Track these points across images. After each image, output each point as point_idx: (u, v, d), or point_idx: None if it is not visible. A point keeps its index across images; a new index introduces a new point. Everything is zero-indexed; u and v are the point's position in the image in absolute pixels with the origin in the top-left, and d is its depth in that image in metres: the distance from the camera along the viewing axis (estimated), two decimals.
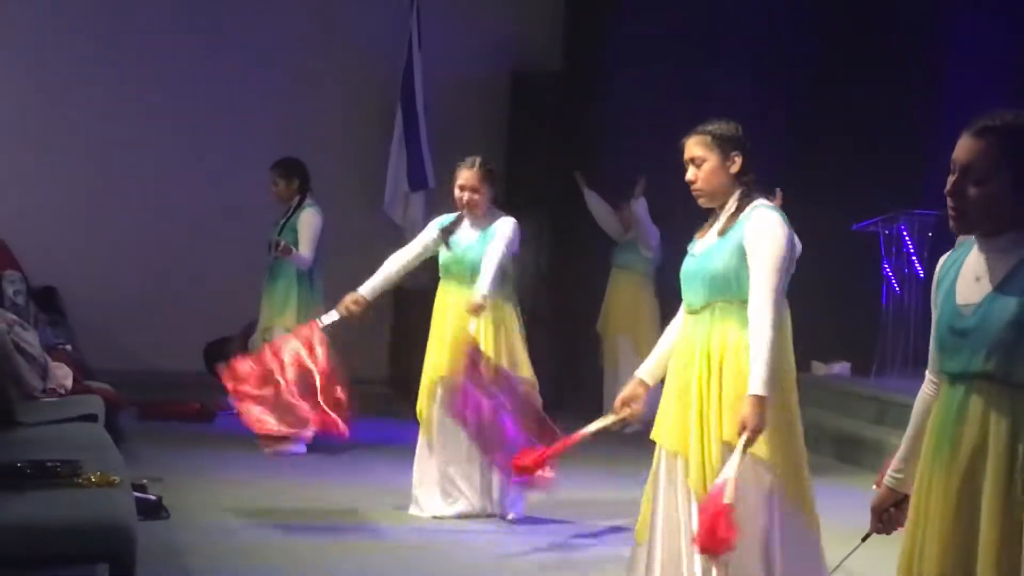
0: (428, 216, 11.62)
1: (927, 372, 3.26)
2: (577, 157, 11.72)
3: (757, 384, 4.26)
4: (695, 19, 11.55)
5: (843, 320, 10.98)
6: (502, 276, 6.79)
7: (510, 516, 6.85)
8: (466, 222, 6.99)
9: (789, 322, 4.56)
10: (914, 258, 10.35)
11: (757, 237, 4.45)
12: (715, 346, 4.44)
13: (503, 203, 7.69)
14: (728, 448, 4.30)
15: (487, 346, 6.70)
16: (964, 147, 3.03)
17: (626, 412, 4.71)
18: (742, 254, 4.46)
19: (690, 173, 4.59)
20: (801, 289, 8.73)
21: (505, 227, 6.85)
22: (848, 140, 11.45)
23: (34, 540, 4.19)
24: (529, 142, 11.74)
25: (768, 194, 4.72)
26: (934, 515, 3.02)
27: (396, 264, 7.06)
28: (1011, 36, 11.08)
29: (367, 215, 11.72)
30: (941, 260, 3.20)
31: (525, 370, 6.83)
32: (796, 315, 9.12)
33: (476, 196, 6.89)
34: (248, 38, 11.93)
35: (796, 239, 4.64)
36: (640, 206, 10.23)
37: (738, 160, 4.55)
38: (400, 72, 11.63)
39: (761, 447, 4.31)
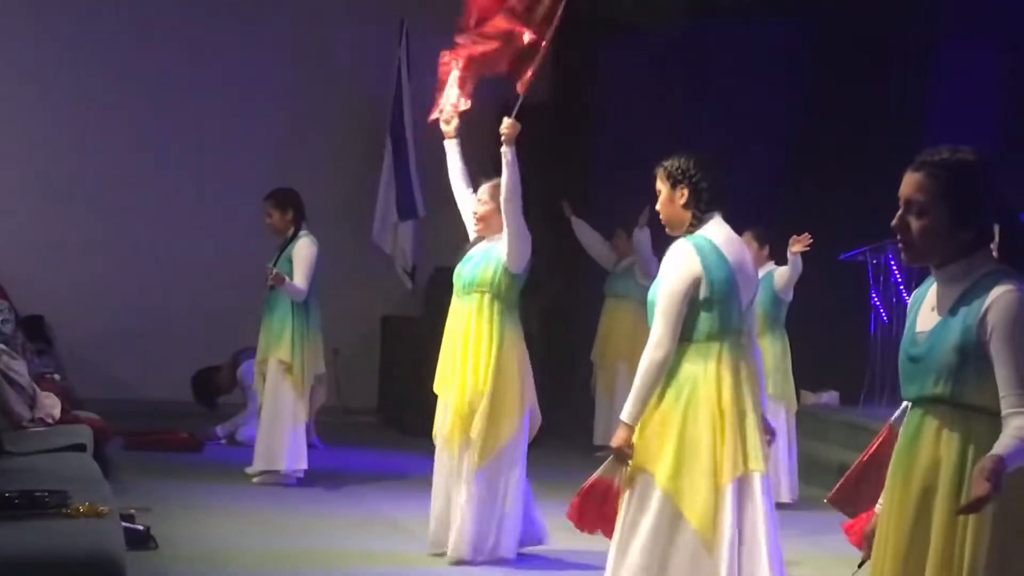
0: (417, 245, 11.69)
1: (902, 397, 3.39)
2: (566, 188, 11.75)
3: (623, 410, 4.75)
4: (681, 52, 11.61)
5: (831, 349, 10.99)
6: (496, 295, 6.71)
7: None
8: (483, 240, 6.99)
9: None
10: (902, 287, 10.37)
11: (661, 268, 4.82)
12: None
13: None
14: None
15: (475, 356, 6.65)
16: (906, 182, 3.21)
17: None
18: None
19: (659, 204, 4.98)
20: (790, 318, 8.82)
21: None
22: (835, 169, 11.50)
23: (22, 571, 4.16)
24: (519, 170, 11.75)
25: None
26: (892, 535, 3.18)
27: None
28: (995, 65, 11.16)
29: (356, 244, 11.73)
30: (913, 293, 3.36)
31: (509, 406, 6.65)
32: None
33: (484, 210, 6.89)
34: (238, 68, 11.96)
35: (720, 267, 4.76)
36: (644, 236, 10.18)
37: (684, 192, 4.86)
38: (390, 102, 11.66)
39: (655, 463, 4.67)
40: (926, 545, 3.10)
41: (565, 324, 11.54)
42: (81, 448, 6.28)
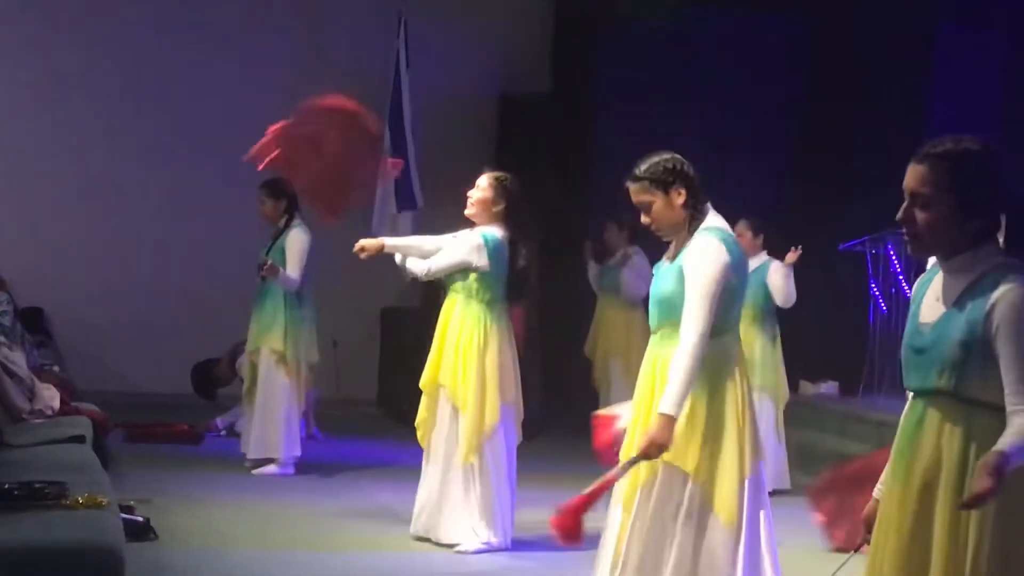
0: None
1: (904, 388, 3.37)
2: (565, 177, 11.76)
3: (664, 402, 4.48)
4: (683, 40, 11.60)
5: (831, 340, 11.00)
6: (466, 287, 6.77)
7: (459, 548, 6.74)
8: None
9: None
10: (901, 277, 10.37)
11: (691, 262, 4.62)
12: (660, 368, 4.64)
13: None
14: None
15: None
16: (910, 173, 3.18)
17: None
18: (682, 277, 4.62)
19: (643, 217, 4.75)
20: (789, 309, 8.82)
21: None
22: (834, 160, 11.50)
23: (21, 562, 4.17)
24: (517, 164, 11.71)
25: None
26: (892, 527, 3.15)
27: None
28: (996, 53, 11.15)
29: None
30: (917, 281, 3.34)
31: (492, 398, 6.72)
32: (784, 335, 9.18)
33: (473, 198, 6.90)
34: (235, 60, 11.95)
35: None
36: (639, 260, 10.04)
37: (682, 191, 4.69)
38: (388, 95, 11.65)
39: (684, 458, 4.52)
40: (928, 538, 3.09)
41: (564, 316, 11.52)
42: (80, 440, 6.28)
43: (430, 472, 6.82)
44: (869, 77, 11.46)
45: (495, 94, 12.26)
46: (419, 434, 6.86)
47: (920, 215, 3.16)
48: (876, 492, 3.40)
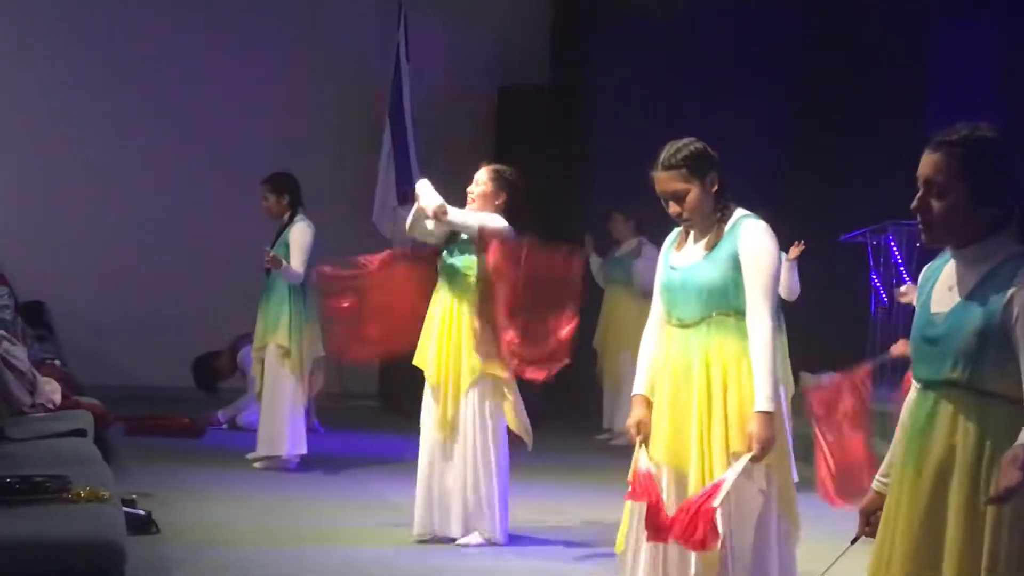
0: None
1: (914, 379, 3.31)
2: (565, 170, 11.75)
3: (763, 400, 4.33)
4: (681, 33, 11.59)
5: (831, 331, 10.98)
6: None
7: (461, 540, 6.70)
8: None
9: (784, 333, 4.63)
10: (902, 268, 10.36)
11: (752, 249, 4.48)
12: (714, 359, 4.46)
13: None
14: (731, 459, 4.36)
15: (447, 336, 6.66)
16: (925, 162, 3.12)
17: (645, 433, 4.63)
18: (736, 266, 4.47)
19: (673, 207, 4.54)
20: (790, 301, 8.81)
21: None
22: (834, 151, 11.49)
23: (22, 556, 4.17)
24: (516, 155, 11.71)
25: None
26: (903, 519, 3.10)
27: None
28: (993, 44, 11.15)
29: (356, 229, 11.72)
30: (924, 269, 3.28)
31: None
32: (784, 327, 9.13)
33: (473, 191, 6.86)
34: (236, 55, 11.95)
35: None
36: (651, 251, 10.03)
37: (716, 179, 4.54)
38: (389, 86, 11.65)
39: (768, 457, 4.38)
40: (940, 533, 3.04)
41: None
42: (82, 433, 6.28)
43: (446, 468, 6.73)
44: (867, 69, 11.45)
45: (495, 87, 12.25)
46: (444, 434, 6.68)
47: (935, 204, 3.09)
48: (875, 485, 3.38)
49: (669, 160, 4.51)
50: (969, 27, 11.16)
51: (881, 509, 3.36)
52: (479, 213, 6.68)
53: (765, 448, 4.31)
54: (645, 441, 4.57)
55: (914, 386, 3.29)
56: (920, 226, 3.14)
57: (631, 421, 4.67)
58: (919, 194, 3.13)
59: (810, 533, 4.71)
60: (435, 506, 6.74)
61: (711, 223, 4.55)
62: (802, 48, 11.78)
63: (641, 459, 4.52)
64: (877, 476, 3.39)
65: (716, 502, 4.19)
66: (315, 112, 12.05)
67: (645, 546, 4.50)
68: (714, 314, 4.48)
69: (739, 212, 4.59)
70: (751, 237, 4.49)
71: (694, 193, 4.50)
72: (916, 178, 3.14)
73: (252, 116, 11.95)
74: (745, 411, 4.36)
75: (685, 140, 4.57)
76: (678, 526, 4.26)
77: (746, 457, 4.30)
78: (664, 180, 4.53)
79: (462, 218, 6.65)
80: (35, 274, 11.12)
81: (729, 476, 4.26)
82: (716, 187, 4.53)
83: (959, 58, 11.08)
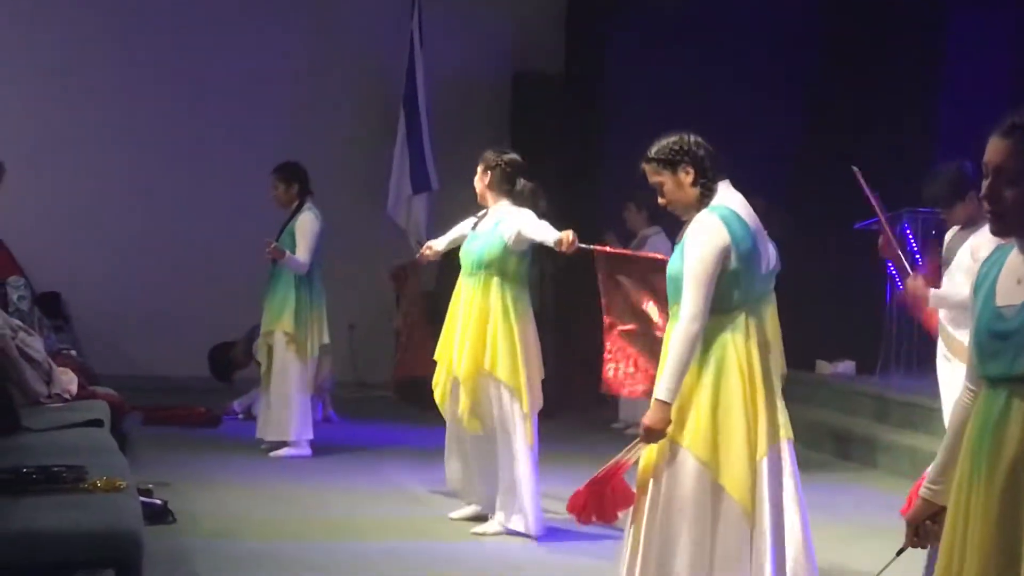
0: (431, 218, 11.67)
1: (965, 380, 3.19)
2: (580, 157, 11.73)
3: (658, 388, 4.57)
4: (696, 19, 11.56)
5: (847, 319, 10.97)
6: (500, 269, 6.76)
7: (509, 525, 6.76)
8: (487, 214, 6.99)
9: (744, 321, 4.60)
10: (917, 256, 10.33)
11: (688, 242, 4.62)
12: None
13: None
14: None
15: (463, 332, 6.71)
16: (994, 148, 2.95)
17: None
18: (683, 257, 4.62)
19: (659, 198, 4.79)
20: (805, 288, 8.81)
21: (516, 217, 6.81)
22: (849, 137, 11.45)
23: (40, 546, 4.19)
24: (532, 143, 11.73)
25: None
26: (974, 526, 2.92)
27: (456, 233, 7.16)
28: (1008, 31, 11.10)
29: (370, 218, 11.74)
30: (982, 264, 3.12)
31: (500, 371, 6.67)
32: (800, 314, 9.16)
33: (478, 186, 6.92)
34: (249, 43, 11.94)
35: (757, 239, 4.66)
36: (657, 241, 10.03)
37: (689, 170, 4.69)
38: (403, 75, 11.64)
39: (681, 433, 4.53)
40: (1017, 535, 2.85)
41: (579, 297, 11.51)
42: (98, 423, 6.30)
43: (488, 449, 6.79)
44: (882, 57, 11.40)
45: (509, 74, 12.23)
46: (474, 423, 6.72)
47: (1008, 192, 2.92)
48: (924, 493, 3.27)
49: (648, 154, 4.79)
50: (984, 16, 11.12)
51: (931, 519, 3.27)
52: (538, 223, 6.75)
53: (646, 431, 4.53)
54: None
55: (966, 388, 3.17)
56: (989, 215, 2.97)
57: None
58: (988, 182, 2.95)
59: (824, 516, 4.67)
60: (465, 480, 6.83)
61: (692, 213, 4.70)
62: (817, 36, 11.74)
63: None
64: (925, 484, 3.27)
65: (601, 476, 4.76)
66: (329, 101, 12.04)
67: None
68: (674, 304, 4.63)
69: (715, 201, 4.67)
70: (691, 230, 4.64)
71: (668, 185, 4.73)
72: (984, 165, 2.97)
73: (266, 106, 11.94)
74: (683, 402, 4.54)
75: (670, 134, 4.77)
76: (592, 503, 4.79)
77: (633, 443, 4.68)
78: (648, 173, 4.80)
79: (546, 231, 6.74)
80: (51, 265, 11.15)
81: (620, 457, 4.75)
82: (691, 178, 4.68)
83: (974, 47, 11.04)
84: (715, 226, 4.58)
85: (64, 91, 11.63)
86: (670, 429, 4.54)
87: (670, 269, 4.68)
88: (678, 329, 4.51)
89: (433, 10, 11.64)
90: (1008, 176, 2.92)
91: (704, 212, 4.64)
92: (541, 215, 6.85)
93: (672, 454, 4.54)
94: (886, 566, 3.59)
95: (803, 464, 4.96)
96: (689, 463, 4.52)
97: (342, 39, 12.09)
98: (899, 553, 3.37)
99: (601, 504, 4.84)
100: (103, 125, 11.68)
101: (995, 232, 3.00)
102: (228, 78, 11.88)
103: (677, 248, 4.68)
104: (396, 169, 11.72)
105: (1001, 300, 2.95)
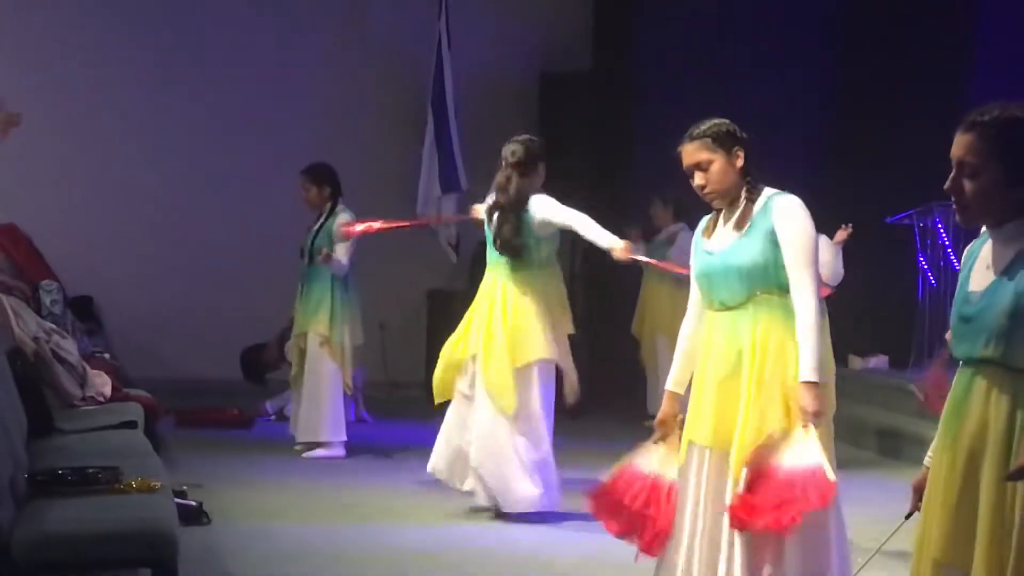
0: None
1: (953, 356, 3.35)
2: (607, 157, 11.71)
3: (807, 371, 4.32)
4: (723, 17, 11.53)
5: (879, 314, 10.93)
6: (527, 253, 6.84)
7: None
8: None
9: (826, 315, 4.56)
10: (949, 250, 10.29)
11: (787, 226, 4.45)
12: (764, 340, 4.42)
13: None
14: (782, 436, 4.32)
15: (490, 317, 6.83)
16: (957, 143, 3.15)
17: (672, 427, 4.65)
18: (774, 242, 4.44)
19: (698, 179, 4.55)
20: (838, 284, 8.76)
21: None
22: (881, 133, 11.41)
23: (76, 546, 4.22)
24: (559, 143, 11.74)
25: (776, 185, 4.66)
26: (939, 492, 3.16)
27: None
28: None
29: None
30: (967, 248, 3.30)
31: (524, 354, 6.84)
32: (832, 309, 9.12)
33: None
34: (279, 45, 11.98)
35: None
36: (686, 237, 9.99)
37: (741, 154, 4.54)
38: (431, 75, 11.65)
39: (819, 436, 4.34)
40: (975, 504, 3.08)
41: (609, 295, 11.50)
42: (132, 425, 6.33)
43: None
44: (911, 48, 11.35)
45: (536, 73, 12.22)
46: (505, 403, 6.89)
47: (968, 184, 3.14)
48: (926, 460, 3.39)
49: (695, 131, 4.58)
50: (1015, 5, 11.03)
51: None
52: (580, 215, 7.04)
53: (815, 417, 4.28)
54: (663, 439, 4.64)
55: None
56: (954, 207, 3.18)
57: (659, 417, 4.73)
58: (952, 175, 3.16)
59: (864, 510, 4.68)
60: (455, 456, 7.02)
61: (737, 202, 4.54)
62: (846, 29, 11.70)
63: (648, 460, 4.61)
64: (929, 452, 3.40)
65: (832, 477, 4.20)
66: (357, 102, 12.06)
67: (700, 535, 4.46)
68: (758, 293, 4.45)
69: (768, 191, 4.56)
70: (786, 213, 4.47)
71: (718, 164, 4.52)
72: (950, 158, 3.15)
73: (295, 107, 11.97)
74: (794, 389, 4.33)
75: (712, 118, 4.62)
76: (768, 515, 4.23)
77: (810, 432, 4.26)
78: (690, 152, 4.57)
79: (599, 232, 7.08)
80: (84, 269, 11.20)
81: (818, 457, 4.22)
82: (741, 163, 4.53)
83: (1004, 38, 10.96)
84: (803, 206, 4.50)
85: (95, 98, 11.69)
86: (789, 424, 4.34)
87: (744, 260, 4.45)
88: (812, 312, 4.35)
89: (460, 11, 11.65)
90: (968, 169, 3.13)
91: (784, 196, 4.52)
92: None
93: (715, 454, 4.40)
94: (895, 531, 3.80)
95: (847, 462, 4.95)
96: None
97: (370, 41, 12.11)
98: (907, 517, 3.48)
99: (642, 530, 4.61)
100: (134, 131, 11.73)
101: (961, 222, 3.22)
102: (258, 81, 11.91)
103: (749, 236, 4.47)
104: (425, 170, 11.73)
105: (972, 285, 3.18)
